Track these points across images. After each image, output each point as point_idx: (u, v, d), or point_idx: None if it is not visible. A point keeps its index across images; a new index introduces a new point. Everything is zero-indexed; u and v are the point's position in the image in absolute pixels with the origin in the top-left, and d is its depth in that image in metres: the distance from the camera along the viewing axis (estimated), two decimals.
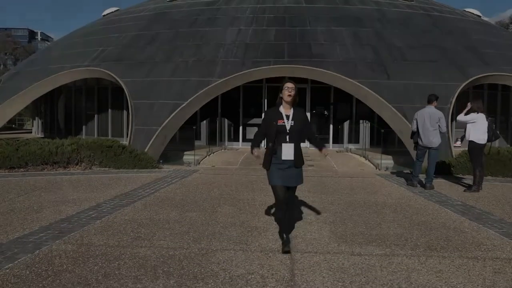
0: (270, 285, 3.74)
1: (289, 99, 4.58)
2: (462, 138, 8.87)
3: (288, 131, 4.57)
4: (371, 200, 7.51)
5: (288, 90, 4.57)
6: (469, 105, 8.66)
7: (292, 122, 4.59)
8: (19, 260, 4.23)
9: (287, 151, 4.57)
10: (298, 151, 4.63)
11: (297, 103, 4.73)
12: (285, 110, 4.64)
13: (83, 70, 15.85)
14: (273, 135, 4.58)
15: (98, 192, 7.96)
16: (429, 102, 8.81)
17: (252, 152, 4.78)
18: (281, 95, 4.64)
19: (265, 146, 4.81)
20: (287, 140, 4.58)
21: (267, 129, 4.68)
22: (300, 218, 6.11)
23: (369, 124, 14.97)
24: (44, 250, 4.56)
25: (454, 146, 8.91)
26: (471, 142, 8.58)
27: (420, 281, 3.86)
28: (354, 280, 3.87)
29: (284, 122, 4.58)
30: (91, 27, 20.46)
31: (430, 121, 8.61)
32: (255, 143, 4.83)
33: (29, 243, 4.80)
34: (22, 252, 4.47)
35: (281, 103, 4.66)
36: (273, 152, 4.60)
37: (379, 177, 10.30)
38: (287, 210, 4.82)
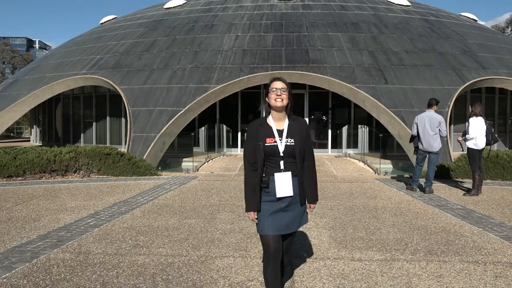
0: None
1: (279, 104, 3.12)
2: (464, 133, 8.82)
3: (282, 154, 3.12)
4: (371, 205, 7.48)
5: (277, 92, 3.12)
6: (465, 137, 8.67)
7: (288, 140, 3.14)
8: (16, 270, 4.19)
9: (284, 184, 3.13)
10: (302, 180, 3.21)
11: (293, 110, 3.26)
12: (276, 122, 3.19)
13: (81, 78, 15.87)
14: (260, 160, 3.13)
15: (97, 200, 7.92)
16: (429, 106, 8.80)
17: (247, 212, 3.22)
18: (266, 100, 3.20)
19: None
20: (282, 167, 3.13)
21: (254, 153, 3.17)
22: None
23: (367, 128, 14.99)
24: (41, 259, 4.52)
25: (458, 140, 8.88)
26: (469, 147, 8.59)
27: (421, 286, 3.83)
28: (355, 286, 3.84)
29: (275, 141, 3.13)
30: (89, 35, 20.50)
31: (430, 125, 8.60)
32: (250, 195, 3.18)
33: (26, 252, 4.76)
34: (19, 261, 4.43)
35: (269, 112, 3.22)
36: (262, 185, 3.17)
37: (378, 182, 10.29)
38: (281, 267, 3.34)
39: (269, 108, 3.20)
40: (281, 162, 3.13)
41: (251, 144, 3.18)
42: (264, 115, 3.29)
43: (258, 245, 5.05)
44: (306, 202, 3.28)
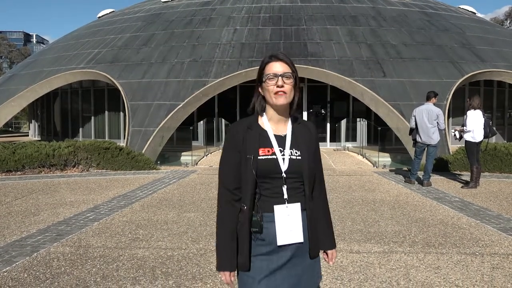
0: None
1: (281, 101, 2.00)
2: (462, 126, 8.85)
3: (284, 173, 1.99)
4: (369, 198, 7.51)
5: (277, 81, 2.00)
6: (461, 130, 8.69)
7: (293, 152, 2.03)
8: (17, 263, 4.22)
9: (290, 224, 1.99)
10: (313, 216, 2.06)
11: (297, 107, 2.12)
12: (274, 124, 2.08)
13: (79, 72, 15.82)
14: (249, 186, 1.97)
15: (96, 194, 7.94)
16: (428, 99, 8.81)
17: (219, 272, 2.03)
18: (260, 91, 2.08)
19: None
20: (285, 195, 1.99)
21: (237, 174, 2.02)
22: None
23: (366, 122, 15.00)
24: (42, 252, 4.55)
25: (454, 131, 8.90)
26: (467, 140, 8.62)
27: (418, 278, 3.86)
28: (353, 278, 3.87)
29: (273, 153, 2.00)
30: (87, 29, 20.41)
31: (428, 118, 8.62)
32: (226, 244, 2.02)
33: (27, 246, 4.78)
34: (20, 255, 4.45)
35: (263, 109, 2.09)
36: (253, 230, 1.98)
37: (376, 175, 10.32)
38: None
39: (264, 103, 2.07)
40: (284, 188, 1.98)
41: (232, 159, 2.01)
42: (255, 113, 2.10)
43: None
44: (321, 250, 2.14)
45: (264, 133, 2.05)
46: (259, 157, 1.98)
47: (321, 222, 2.13)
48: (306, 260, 2.05)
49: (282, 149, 2.01)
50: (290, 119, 2.11)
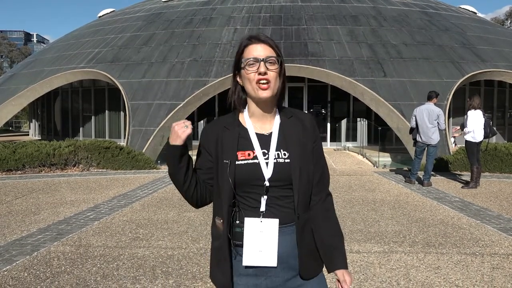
0: None
1: (264, 94, 1.64)
2: (462, 126, 8.85)
3: (268, 181, 1.64)
4: (369, 198, 7.51)
5: (259, 67, 1.63)
6: (463, 130, 8.69)
7: (280, 154, 1.69)
8: (17, 262, 4.22)
9: (259, 242, 1.64)
10: (306, 232, 1.70)
11: (283, 99, 1.76)
12: (257, 121, 1.74)
13: (79, 71, 15.83)
14: (226, 195, 1.66)
15: (96, 193, 7.94)
16: (429, 98, 8.81)
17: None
18: (239, 80, 1.72)
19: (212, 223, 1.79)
20: (262, 206, 1.65)
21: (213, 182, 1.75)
22: None
23: (366, 122, 15.00)
24: (42, 252, 4.55)
25: (453, 135, 8.91)
26: (467, 140, 8.62)
27: (418, 278, 3.86)
28: (353, 278, 3.87)
29: (255, 157, 1.67)
30: (87, 29, 20.42)
31: (428, 118, 8.61)
32: (217, 253, 1.73)
33: (27, 245, 4.79)
34: (20, 254, 4.46)
35: (243, 103, 1.75)
36: (234, 241, 1.67)
37: (377, 175, 10.32)
38: None
39: (243, 95, 1.71)
40: (263, 199, 1.63)
41: (205, 165, 1.75)
42: (232, 109, 1.77)
43: None
44: (327, 269, 1.71)
45: (244, 132, 1.70)
46: (237, 162, 1.64)
47: (322, 235, 1.70)
48: (308, 285, 1.68)
49: (266, 151, 1.67)
50: (277, 112, 1.74)
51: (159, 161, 12.20)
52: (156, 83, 14.26)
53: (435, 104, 8.80)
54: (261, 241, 1.63)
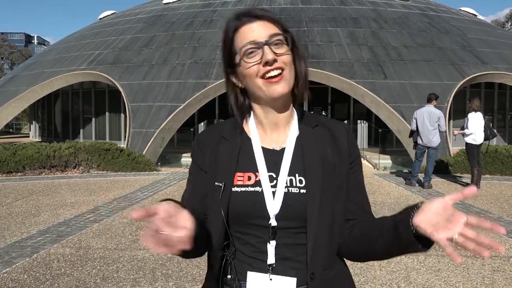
0: None
1: (280, 90, 1.08)
2: (462, 128, 8.84)
3: (274, 219, 1.08)
4: (370, 200, 7.49)
5: (262, 54, 1.07)
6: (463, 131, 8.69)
7: (294, 179, 1.11)
8: (17, 264, 4.21)
9: None
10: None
11: (304, 97, 1.18)
12: (267, 129, 1.17)
13: (80, 73, 15.85)
14: (217, 233, 1.11)
15: (96, 195, 7.94)
16: (429, 101, 8.80)
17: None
18: (235, 81, 1.16)
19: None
20: (269, 257, 1.09)
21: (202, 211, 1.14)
22: None
23: (367, 124, 15.00)
24: (42, 254, 4.54)
25: (454, 135, 8.91)
26: (467, 142, 8.61)
27: (419, 280, 3.85)
28: (353, 280, 3.86)
29: (257, 182, 1.11)
30: (88, 31, 20.45)
31: (429, 120, 8.60)
32: None
33: (27, 247, 4.78)
34: (20, 256, 4.45)
35: (248, 109, 1.19)
36: None
37: (377, 177, 10.31)
38: None
39: (247, 99, 1.19)
40: (270, 246, 1.10)
41: (196, 187, 1.20)
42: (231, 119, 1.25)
43: None
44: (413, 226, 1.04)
45: (247, 145, 1.16)
46: (233, 188, 1.11)
47: (377, 231, 1.24)
48: None
49: (274, 175, 1.12)
50: (295, 117, 1.19)
51: (159, 163, 12.20)
52: (157, 85, 14.27)
53: (435, 106, 8.80)
54: None
